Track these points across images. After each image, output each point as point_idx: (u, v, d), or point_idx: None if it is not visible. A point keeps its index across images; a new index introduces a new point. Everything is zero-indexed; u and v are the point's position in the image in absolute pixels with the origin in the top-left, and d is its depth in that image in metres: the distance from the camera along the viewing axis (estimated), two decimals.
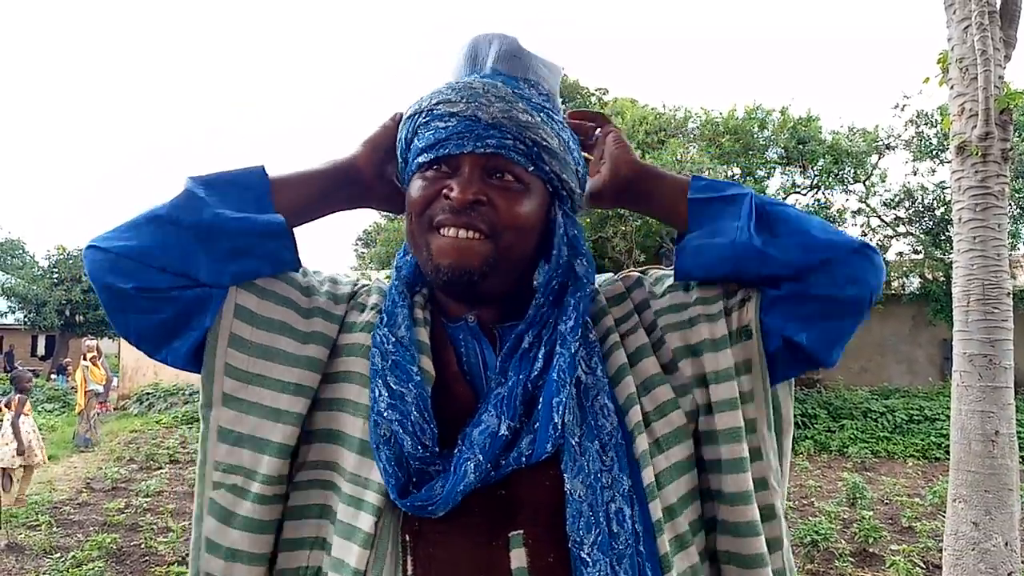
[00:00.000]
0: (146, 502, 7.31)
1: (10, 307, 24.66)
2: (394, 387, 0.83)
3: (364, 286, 0.99)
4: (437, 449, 0.82)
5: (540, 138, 0.85)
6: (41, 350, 29.40)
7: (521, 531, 0.81)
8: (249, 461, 0.83)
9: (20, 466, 7.23)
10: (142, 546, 5.92)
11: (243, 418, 0.84)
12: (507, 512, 0.82)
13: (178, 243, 0.80)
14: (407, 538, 0.82)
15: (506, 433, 0.80)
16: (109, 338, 25.42)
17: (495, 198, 0.84)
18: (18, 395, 7.59)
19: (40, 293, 24.23)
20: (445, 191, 0.84)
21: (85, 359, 11.90)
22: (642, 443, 0.84)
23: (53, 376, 21.76)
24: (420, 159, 0.87)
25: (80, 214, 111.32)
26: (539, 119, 0.86)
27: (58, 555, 5.60)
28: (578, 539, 0.78)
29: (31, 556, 5.70)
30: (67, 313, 24.44)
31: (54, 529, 6.36)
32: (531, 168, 0.86)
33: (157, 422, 14.02)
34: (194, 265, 0.81)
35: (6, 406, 7.51)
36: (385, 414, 0.82)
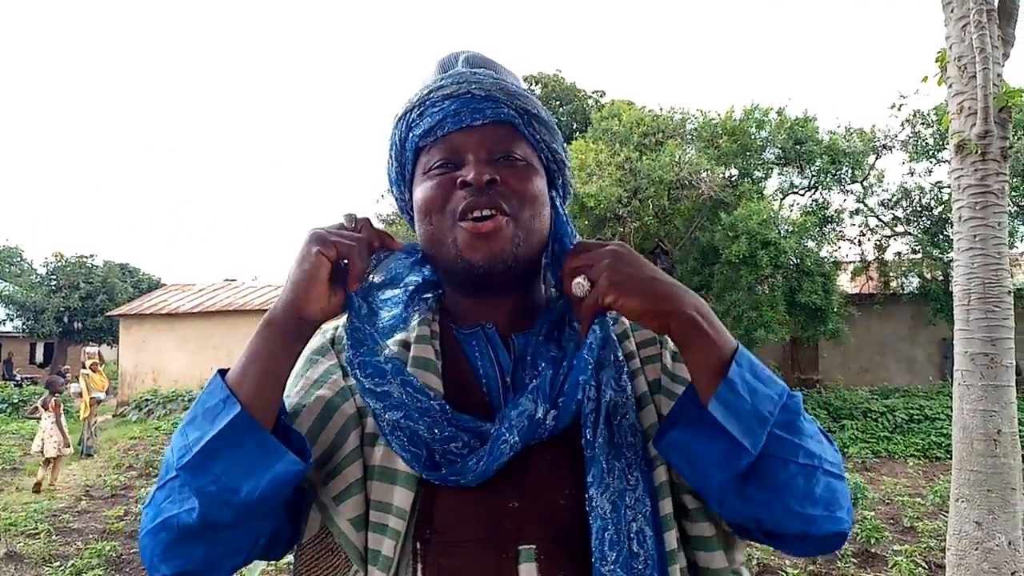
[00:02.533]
0: None
1: (8, 315, 24.63)
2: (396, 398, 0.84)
3: (336, 328, 0.98)
4: (454, 416, 0.82)
5: (531, 107, 0.89)
6: (39, 357, 29.31)
7: (533, 546, 0.80)
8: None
9: (56, 457, 8.52)
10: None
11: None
12: (520, 525, 0.82)
13: (229, 535, 0.78)
14: (418, 546, 0.82)
15: (541, 416, 0.81)
16: (107, 344, 25.38)
17: (507, 177, 0.86)
18: (53, 397, 8.91)
19: (38, 300, 24.21)
20: (459, 180, 0.85)
21: (85, 367, 11.87)
22: (662, 474, 0.84)
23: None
24: (421, 153, 0.90)
25: (78, 221, 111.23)
26: (525, 92, 0.91)
27: (57, 563, 5.58)
28: (600, 555, 0.77)
29: (31, 564, 5.67)
30: (65, 320, 24.41)
31: (53, 537, 6.34)
32: (526, 133, 0.89)
33: (156, 428, 13.99)
34: (252, 533, 0.80)
35: (43, 407, 8.79)
36: (386, 416, 0.82)
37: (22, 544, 6.13)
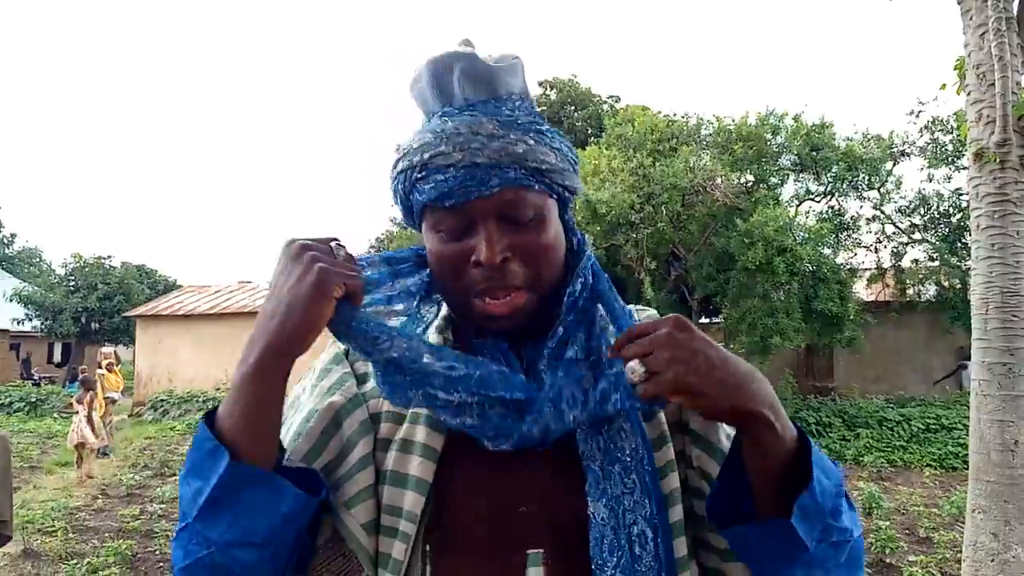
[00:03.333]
0: (161, 508, 7.36)
1: (27, 314, 24.86)
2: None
3: None
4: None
5: (539, 161, 0.84)
6: (57, 357, 29.61)
7: (541, 550, 0.82)
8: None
9: (91, 448, 9.33)
10: (157, 552, 5.95)
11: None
12: (528, 530, 0.83)
13: (260, 568, 0.77)
14: (427, 548, 0.83)
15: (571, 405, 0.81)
16: (124, 345, 25.61)
17: (520, 245, 0.83)
18: (89, 393, 9.78)
19: (56, 301, 24.45)
20: (473, 258, 0.82)
21: (101, 367, 12.01)
22: (672, 481, 0.85)
23: (67, 383, 21.96)
24: (427, 209, 0.86)
25: (96, 222, 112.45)
26: (532, 142, 0.84)
27: (74, 561, 5.63)
28: (600, 561, 0.78)
29: (47, 562, 5.74)
30: (83, 320, 24.63)
31: (70, 535, 6.41)
32: (536, 187, 0.84)
33: (171, 429, 14.12)
34: (283, 560, 0.80)
35: (78, 402, 9.64)
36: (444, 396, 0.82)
37: (39, 542, 6.20)
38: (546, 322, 0.89)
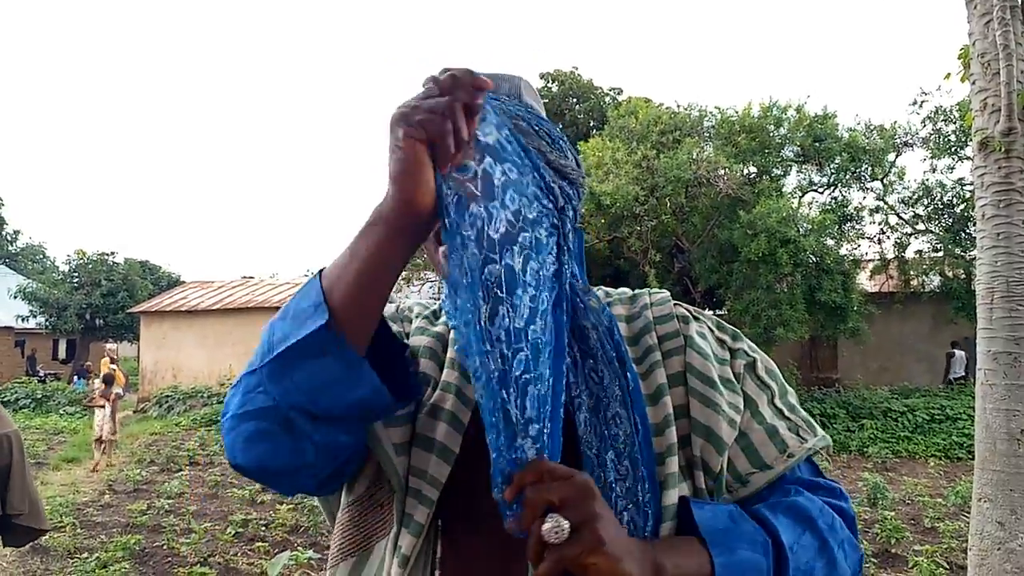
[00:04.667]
0: (168, 503, 7.39)
1: (32, 311, 24.93)
2: None
3: (395, 303, 1.05)
4: None
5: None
6: (62, 353, 29.69)
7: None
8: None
9: (110, 440, 10.20)
10: (165, 547, 5.98)
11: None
12: None
13: (312, 442, 0.78)
14: (440, 523, 0.87)
15: None
16: (128, 341, 25.67)
17: None
18: (110, 388, 10.50)
19: (61, 297, 24.51)
20: None
21: (112, 362, 12.13)
22: (672, 465, 0.85)
23: (74, 379, 22.03)
24: None
25: (100, 219, 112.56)
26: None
27: (83, 556, 5.67)
28: None
29: (56, 557, 5.77)
30: (87, 317, 24.69)
31: (78, 531, 6.45)
32: None
33: (176, 424, 14.17)
34: (333, 450, 0.81)
35: (103, 397, 10.37)
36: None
37: (47, 537, 6.22)
38: None
